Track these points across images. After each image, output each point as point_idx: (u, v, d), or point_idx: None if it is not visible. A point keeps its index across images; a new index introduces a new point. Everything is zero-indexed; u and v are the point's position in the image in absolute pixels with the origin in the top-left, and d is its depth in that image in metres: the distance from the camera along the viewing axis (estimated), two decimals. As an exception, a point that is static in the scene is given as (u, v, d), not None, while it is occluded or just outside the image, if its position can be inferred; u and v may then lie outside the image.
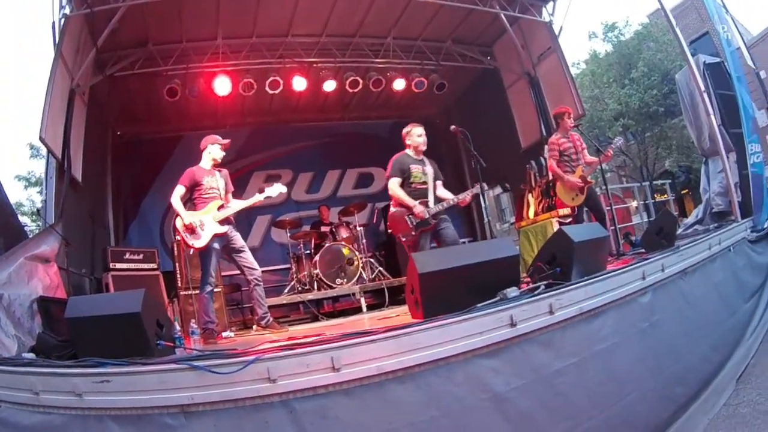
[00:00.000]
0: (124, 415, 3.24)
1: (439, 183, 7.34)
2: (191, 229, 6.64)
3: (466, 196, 7.08)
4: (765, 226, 8.40)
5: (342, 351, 3.44)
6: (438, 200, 7.13)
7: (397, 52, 12.47)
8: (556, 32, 11.72)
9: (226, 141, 7.23)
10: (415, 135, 7.28)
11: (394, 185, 7.08)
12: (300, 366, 3.36)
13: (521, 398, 3.88)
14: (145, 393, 3.25)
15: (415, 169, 7.11)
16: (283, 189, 7.33)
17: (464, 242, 13.79)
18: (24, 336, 4.90)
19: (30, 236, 7.29)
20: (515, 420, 3.81)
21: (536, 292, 4.35)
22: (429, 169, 7.23)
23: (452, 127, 7.90)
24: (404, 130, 7.42)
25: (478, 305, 4.10)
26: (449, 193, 7.24)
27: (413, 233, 6.91)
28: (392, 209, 7.22)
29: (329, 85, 12.65)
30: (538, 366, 4.06)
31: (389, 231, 7.44)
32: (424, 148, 7.31)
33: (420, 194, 7.05)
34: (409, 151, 7.32)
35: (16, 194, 30.42)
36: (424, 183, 7.13)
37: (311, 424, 3.32)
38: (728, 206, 8.95)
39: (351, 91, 12.85)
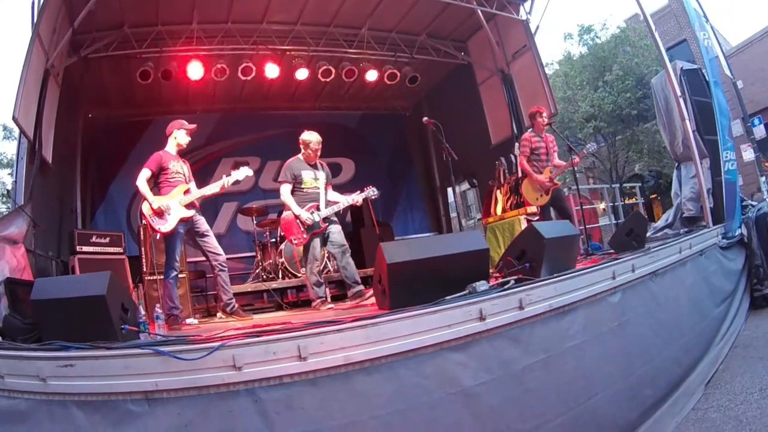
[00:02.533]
0: (89, 401, 3.19)
1: (329, 187, 7.75)
2: (159, 214, 6.56)
3: (358, 199, 7.51)
4: (737, 233, 8.49)
5: (309, 339, 3.39)
6: (329, 204, 7.51)
7: (371, 44, 12.53)
8: (533, 31, 11.75)
9: (192, 126, 7.17)
10: (311, 146, 7.53)
11: (285, 191, 7.41)
12: (266, 354, 3.31)
13: (490, 393, 3.86)
14: (109, 378, 3.20)
15: (307, 174, 7.46)
16: (250, 172, 7.24)
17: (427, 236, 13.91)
18: (-9, 319, 4.83)
19: (-1, 218, 7.19)
20: (484, 415, 3.79)
21: (506, 287, 4.35)
22: (321, 174, 7.61)
23: (425, 118, 8.09)
24: (303, 137, 7.63)
25: (448, 297, 4.08)
26: (340, 196, 7.73)
27: (304, 236, 7.31)
28: (284, 213, 7.52)
29: (302, 74, 12.69)
30: (507, 361, 4.04)
31: (281, 234, 7.80)
32: (316, 159, 7.61)
33: (311, 198, 7.46)
34: (301, 157, 7.60)
35: (-13, 176, 30.10)
36: (316, 187, 7.47)
37: (277, 414, 3.28)
38: (699, 211, 8.97)
39: (323, 80, 12.90)
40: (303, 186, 7.40)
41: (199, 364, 3.21)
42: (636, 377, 4.98)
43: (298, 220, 7.22)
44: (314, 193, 7.42)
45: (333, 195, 7.63)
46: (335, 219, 7.53)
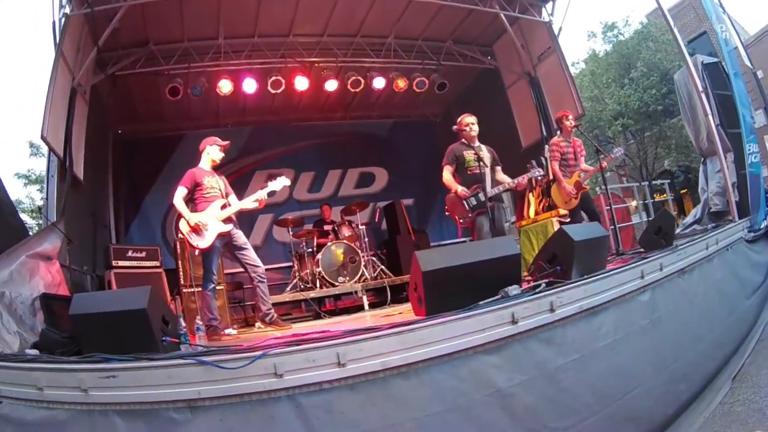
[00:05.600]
0: (130, 410, 3.27)
1: (498, 168, 7.62)
2: (196, 231, 6.65)
3: (522, 180, 7.36)
4: (762, 226, 8.42)
5: (347, 347, 3.47)
6: (495, 183, 7.41)
7: (399, 52, 12.55)
8: (556, 32, 11.75)
9: (225, 143, 7.25)
10: (463, 124, 7.48)
11: (446, 173, 7.42)
12: (306, 361, 3.38)
13: (525, 393, 3.91)
14: (151, 388, 3.28)
15: (468, 155, 7.33)
16: (287, 182, 7.33)
17: (464, 241, 13.91)
18: (26, 333, 4.92)
19: (30, 234, 7.30)
20: (519, 414, 3.84)
21: (537, 290, 4.39)
22: (486, 155, 7.42)
23: (454, 127, 7.97)
24: (460, 120, 7.59)
25: (480, 303, 4.14)
26: (507, 177, 7.51)
27: (469, 215, 7.17)
28: (450, 195, 7.40)
29: (331, 85, 12.74)
30: (540, 362, 4.09)
31: (446, 213, 7.57)
32: (473, 135, 7.49)
33: (474, 179, 7.24)
34: (464, 140, 7.51)
35: (16, 192, 30.34)
36: (479, 168, 7.21)
37: (317, 419, 3.35)
38: (726, 206, 8.90)
39: (352, 90, 12.92)
40: (466, 166, 7.33)
41: (241, 372, 3.29)
42: (669, 373, 5.00)
43: (465, 199, 7.18)
44: (477, 174, 7.20)
45: (500, 176, 7.55)
46: (503, 199, 7.57)
